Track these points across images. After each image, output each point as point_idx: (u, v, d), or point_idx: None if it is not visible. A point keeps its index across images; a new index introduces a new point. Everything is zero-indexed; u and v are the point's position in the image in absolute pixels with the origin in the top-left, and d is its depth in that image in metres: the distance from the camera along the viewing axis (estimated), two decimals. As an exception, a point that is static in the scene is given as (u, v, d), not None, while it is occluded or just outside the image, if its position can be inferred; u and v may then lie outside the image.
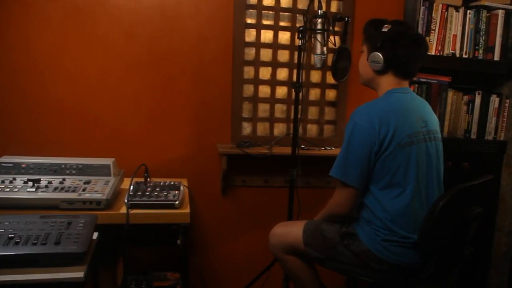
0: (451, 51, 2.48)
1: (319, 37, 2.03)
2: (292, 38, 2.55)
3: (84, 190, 1.86)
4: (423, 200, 1.71)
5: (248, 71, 2.54)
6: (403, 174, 1.67)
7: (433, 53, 2.45)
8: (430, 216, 1.60)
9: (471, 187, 1.69)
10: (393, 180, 1.68)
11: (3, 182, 1.86)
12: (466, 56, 2.49)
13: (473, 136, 2.57)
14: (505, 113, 2.57)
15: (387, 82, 1.79)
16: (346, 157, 1.70)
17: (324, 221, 1.86)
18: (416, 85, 2.46)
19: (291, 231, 1.91)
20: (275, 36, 2.53)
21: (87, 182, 1.93)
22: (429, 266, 1.76)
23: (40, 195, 1.79)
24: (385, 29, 1.74)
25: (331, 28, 2.06)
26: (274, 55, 2.55)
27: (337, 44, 2.12)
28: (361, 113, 1.71)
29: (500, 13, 2.48)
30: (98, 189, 1.88)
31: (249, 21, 2.50)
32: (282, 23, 2.54)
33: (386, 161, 1.66)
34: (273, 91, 2.58)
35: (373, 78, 1.82)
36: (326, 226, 1.82)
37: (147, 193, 1.95)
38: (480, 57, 2.51)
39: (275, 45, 2.54)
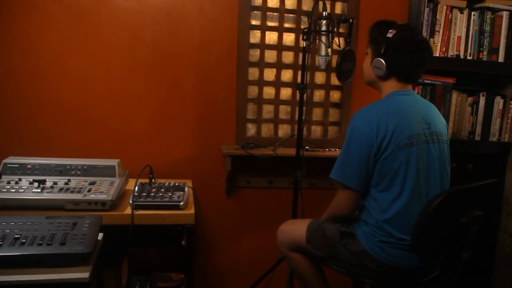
0: (455, 52, 2.48)
1: (323, 38, 2.04)
2: (297, 39, 2.55)
3: (89, 191, 1.86)
4: (423, 202, 1.69)
5: (253, 73, 2.54)
6: (403, 175, 1.67)
7: (438, 55, 2.45)
8: (423, 217, 1.59)
9: (468, 189, 1.67)
10: (393, 181, 1.67)
11: (9, 182, 1.87)
12: (471, 58, 2.49)
13: (477, 138, 2.57)
14: (510, 115, 2.57)
15: (390, 86, 1.80)
16: (345, 159, 1.72)
17: (327, 220, 1.87)
18: (420, 86, 2.46)
19: (296, 228, 1.93)
20: (280, 37, 2.54)
21: (92, 183, 1.94)
22: (432, 269, 1.75)
23: (46, 195, 1.80)
24: (389, 35, 1.72)
25: (335, 29, 2.07)
26: (279, 56, 2.55)
27: (342, 46, 2.12)
28: (361, 115, 1.73)
29: (505, 14, 2.47)
30: (103, 190, 1.88)
31: (253, 22, 2.50)
32: (286, 25, 2.54)
33: (385, 163, 1.67)
34: (277, 93, 2.58)
35: (376, 81, 1.84)
36: (328, 225, 1.84)
37: (152, 194, 1.96)
38: (485, 58, 2.50)
39: (279, 47, 2.55)
